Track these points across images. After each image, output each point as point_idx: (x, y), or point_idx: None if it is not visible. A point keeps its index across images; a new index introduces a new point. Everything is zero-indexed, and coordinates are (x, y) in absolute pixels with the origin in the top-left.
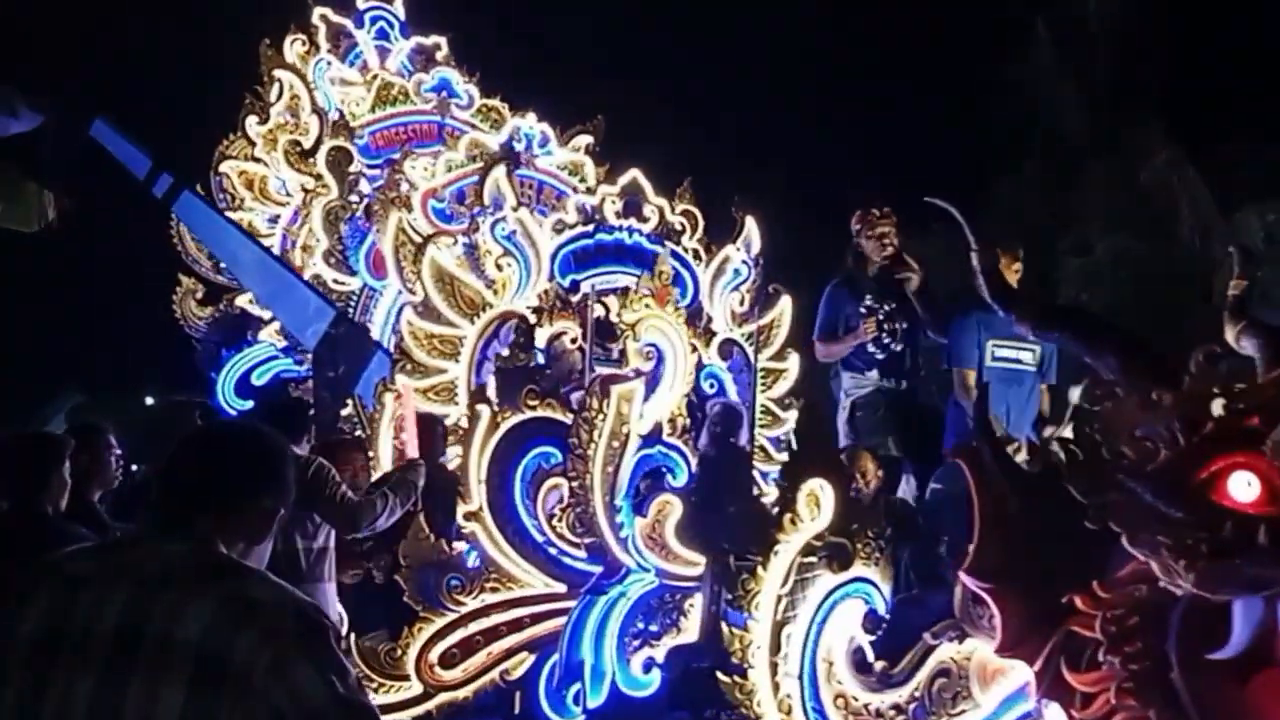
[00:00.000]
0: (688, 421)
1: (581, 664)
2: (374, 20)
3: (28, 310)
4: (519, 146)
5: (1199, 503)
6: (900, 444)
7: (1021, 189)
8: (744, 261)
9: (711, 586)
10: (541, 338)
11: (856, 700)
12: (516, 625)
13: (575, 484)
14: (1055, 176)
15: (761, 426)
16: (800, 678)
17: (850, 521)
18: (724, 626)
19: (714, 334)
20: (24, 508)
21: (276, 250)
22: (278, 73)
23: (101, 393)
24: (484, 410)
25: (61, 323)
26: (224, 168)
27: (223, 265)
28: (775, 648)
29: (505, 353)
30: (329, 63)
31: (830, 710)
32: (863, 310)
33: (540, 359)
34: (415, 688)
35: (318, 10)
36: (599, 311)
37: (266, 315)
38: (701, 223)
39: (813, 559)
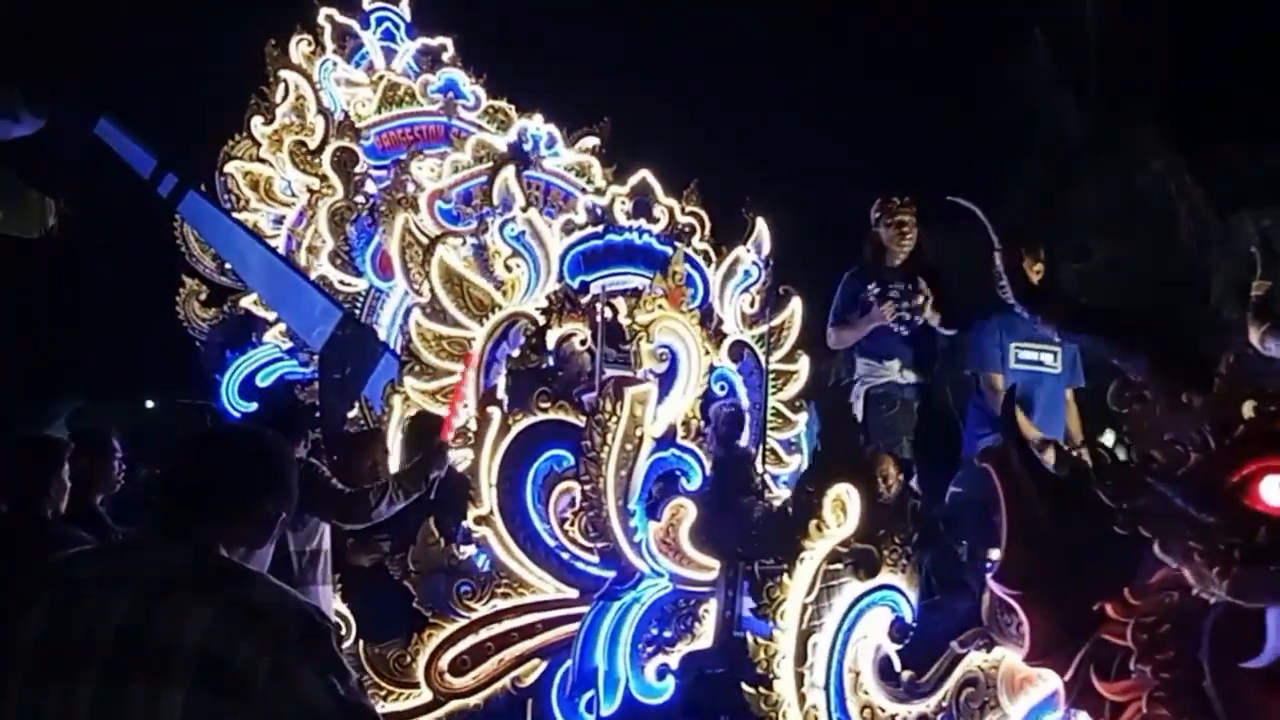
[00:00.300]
0: (702, 424)
1: (595, 671)
2: (380, 21)
3: (28, 312)
4: (526, 147)
5: (1231, 507)
6: (913, 445)
7: (1021, 190)
8: (754, 263)
9: (726, 591)
10: (550, 339)
11: (884, 711)
12: (528, 631)
13: (588, 487)
14: (1055, 177)
15: (772, 429)
16: (827, 688)
17: (876, 527)
18: (746, 635)
19: (724, 336)
20: (23, 511)
21: (281, 251)
22: (283, 73)
23: (103, 396)
24: (495, 413)
25: (63, 325)
26: (229, 168)
27: (227, 266)
28: (801, 657)
29: (516, 354)
30: (335, 63)
31: None
32: (877, 292)
33: (550, 361)
34: (425, 695)
35: (323, 11)
36: (608, 313)
37: (271, 316)
38: (709, 224)
39: (839, 566)
